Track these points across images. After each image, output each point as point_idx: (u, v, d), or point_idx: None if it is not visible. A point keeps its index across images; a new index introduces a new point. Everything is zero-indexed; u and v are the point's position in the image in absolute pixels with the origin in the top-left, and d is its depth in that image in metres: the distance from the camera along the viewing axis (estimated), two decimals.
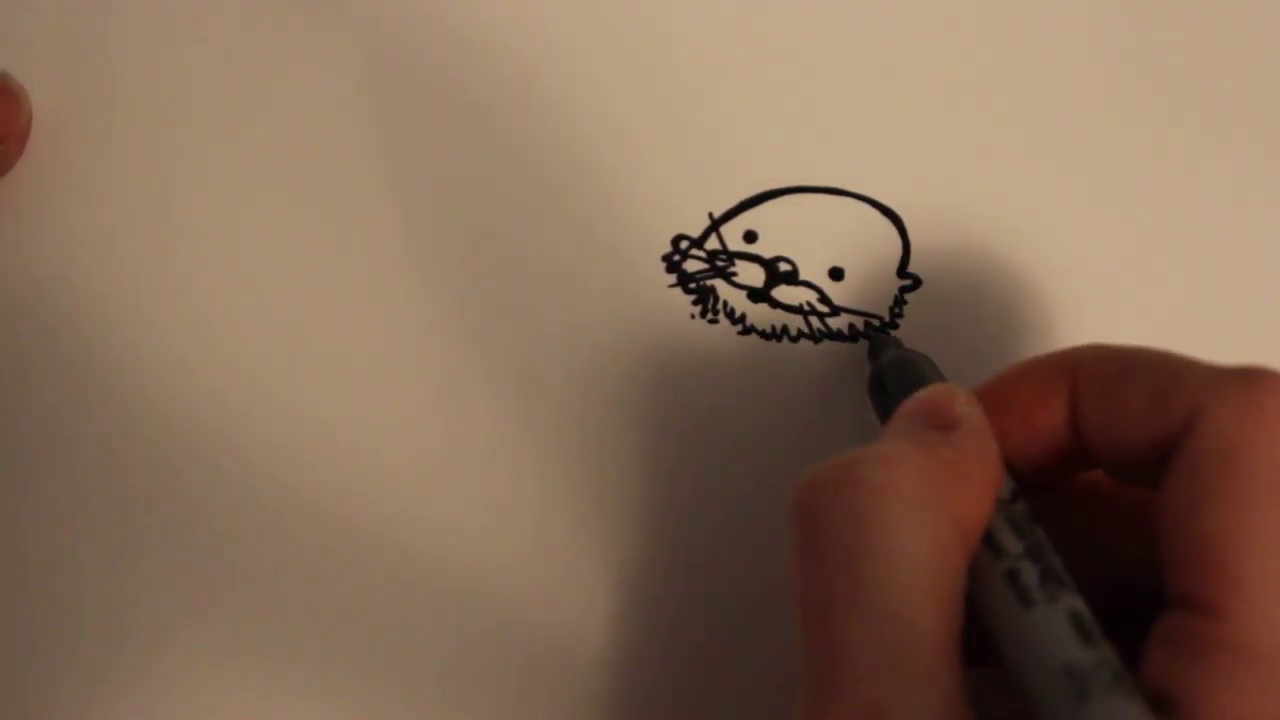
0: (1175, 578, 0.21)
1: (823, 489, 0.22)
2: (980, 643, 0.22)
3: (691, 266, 0.31)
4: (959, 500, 0.22)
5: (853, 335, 0.30)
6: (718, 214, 0.31)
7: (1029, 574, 0.22)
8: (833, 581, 0.21)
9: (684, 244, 0.31)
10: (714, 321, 0.30)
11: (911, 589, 0.21)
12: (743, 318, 0.31)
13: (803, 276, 0.31)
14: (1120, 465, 0.23)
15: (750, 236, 0.31)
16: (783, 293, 0.31)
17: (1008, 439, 0.24)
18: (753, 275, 0.31)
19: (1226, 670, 0.19)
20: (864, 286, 0.31)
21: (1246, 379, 0.21)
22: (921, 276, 0.31)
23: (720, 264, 0.31)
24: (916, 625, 0.20)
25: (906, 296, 0.31)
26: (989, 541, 0.23)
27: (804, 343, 0.30)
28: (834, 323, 0.30)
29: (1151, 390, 0.22)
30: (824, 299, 0.31)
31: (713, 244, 0.31)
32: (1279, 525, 0.20)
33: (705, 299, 0.31)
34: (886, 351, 0.28)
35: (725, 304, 0.31)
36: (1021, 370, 0.24)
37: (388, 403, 0.30)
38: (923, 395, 0.24)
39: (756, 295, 0.31)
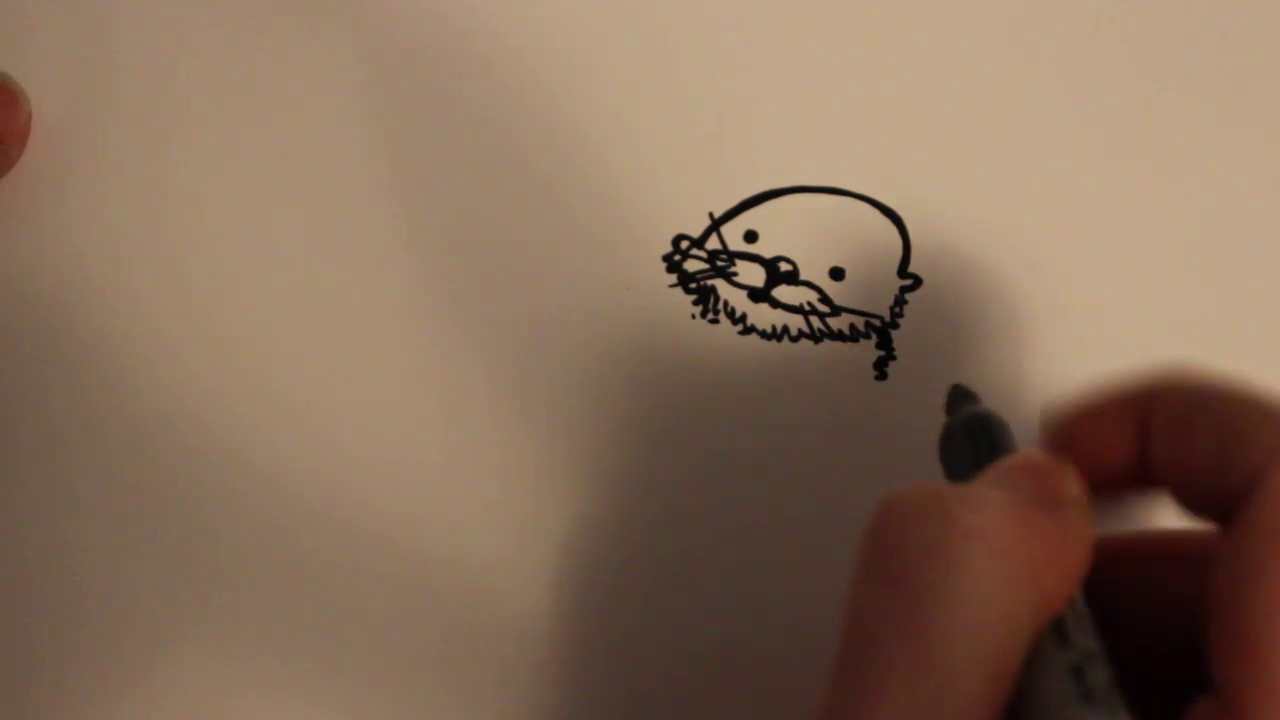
0: (1213, 658, 0.19)
1: (909, 517, 0.20)
2: None
3: (692, 266, 0.31)
4: (1047, 575, 0.20)
5: (853, 335, 0.30)
6: (718, 214, 0.31)
7: (1097, 674, 0.20)
8: (891, 613, 0.20)
9: (684, 244, 0.31)
10: (714, 321, 0.30)
11: (970, 646, 0.19)
12: (743, 318, 0.31)
13: (803, 276, 0.31)
14: (1189, 504, 0.21)
15: (751, 236, 0.31)
16: (783, 293, 0.31)
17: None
18: (753, 275, 0.31)
19: None
20: (864, 286, 0.31)
21: None
22: (921, 276, 0.31)
23: (721, 264, 0.31)
24: (964, 687, 0.19)
25: (907, 296, 0.31)
26: (1057, 629, 0.21)
27: (804, 343, 0.30)
28: (834, 323, 0.30)
29: (1219, 438, 0.20)
30: (824, 299, 0.31)
31: (713, 244, 0.31)
32: None
33: (706, 299, 0.31)
34: (967, 405, 0.26)
35: (726, 304, 0.31)
36: (1091, 408, 0.23)
37: (388, 403, 0.30)
38: (1032, 459, 0.22)
39: (757, 295, 0.31)
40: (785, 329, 0.30)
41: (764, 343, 0.30)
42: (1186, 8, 0.32)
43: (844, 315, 0.31)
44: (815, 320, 0.31)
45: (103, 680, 0.28)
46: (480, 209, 0.31)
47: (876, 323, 0.30)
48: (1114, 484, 0.22)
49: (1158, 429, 0.21)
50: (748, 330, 0.30)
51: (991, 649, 0.19)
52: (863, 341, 0.30)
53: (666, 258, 0.31)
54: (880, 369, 0.30)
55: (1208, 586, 0.20)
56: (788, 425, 0.30)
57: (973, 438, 0.25)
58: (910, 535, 0.20)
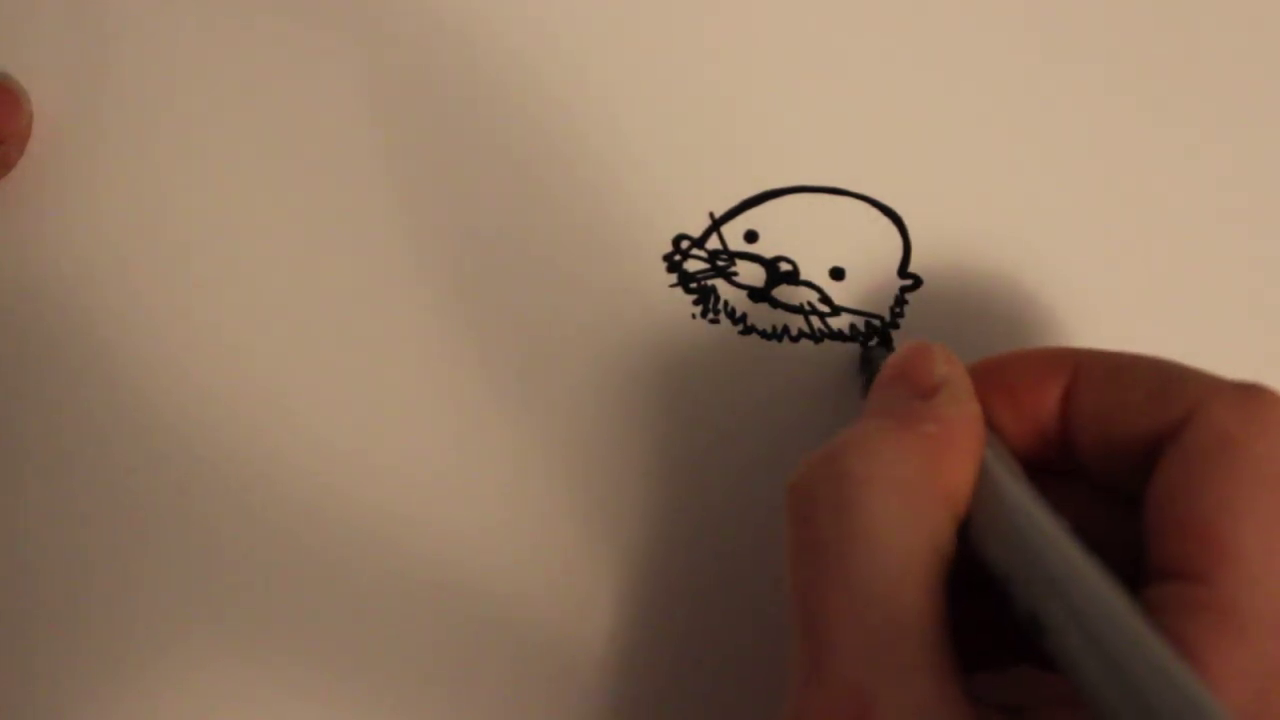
0: (1164, 551, 0.22)
1: (810, 479, 0.23)
2: (981, 642, 0.23)
3: (692, 266, 0.31)
4: (945, 474, 0.23)
5: (853, 335, 0.30)
6: (718, 214, 0.31)
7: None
8: (819, 569, 0.22)
9: (685, 244, 0.31)
10: (715, 321, 0.31)
11: (896, 575, 0.21)
12: (743, 317, 0.31)
13: (803, 276, 0.31)
14: (1106, 459, 0.24)
15: (751, 236, 0.31)
16: (783, 292, 0.31)
17: (991, 417, 0.25)
18: (753, 275, 0.31)
19: (1217, 632, 0.20)
20: (864, 286, 0.31)
21: (1245, 388, 0.23)
22: (922, 276, 0.31)
23: (721, 264, 0.31)
24: (902, 611, 0.21)
25: (907, 296, 0.31)
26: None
27: (804, 343, 0.30)
28: (835, 323, 0.31)
29: (1152, 385, 0.23)
30: (825, 299, 0.31)
31: (713, 244, 0.31)
32: (1266, 509, 0.21)
33: (706, 299, 0.31)
34: (878, 361, 0.28)
35: (726, 304, 0.31)
36: (1021, 353, 0.25)
37: (388, 403, 0.30)
38: (900, 357, 0.25)
39: (757, 295, 0.31)
40: (785, 329, 0.31)
41: (764, 343, 0.30)
42: (1188, 9, 0.32)
43: (844, 315, 0.31)
44: (815, 320, 0.31)
45: (103, 680, 0.28)
46: (480, 209, 0.31)
47: (876, 323, 0.30)
48: (1029, 431, 0.25)
49: (1088, 377, 0.24)
50: (748, 330, 0.30)
51: (918, 569, 0.21)
52: (863, 341, 0.30)
53: (666, 258, 0.31)
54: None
55: (1145, 505, 0.23)
56: (788, 425, 0.30)
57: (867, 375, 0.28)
58: (817, 500, 0.23)
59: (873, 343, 0.30)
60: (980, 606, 0.23)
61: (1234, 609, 0.21)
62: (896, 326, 0.30)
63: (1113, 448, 0.24)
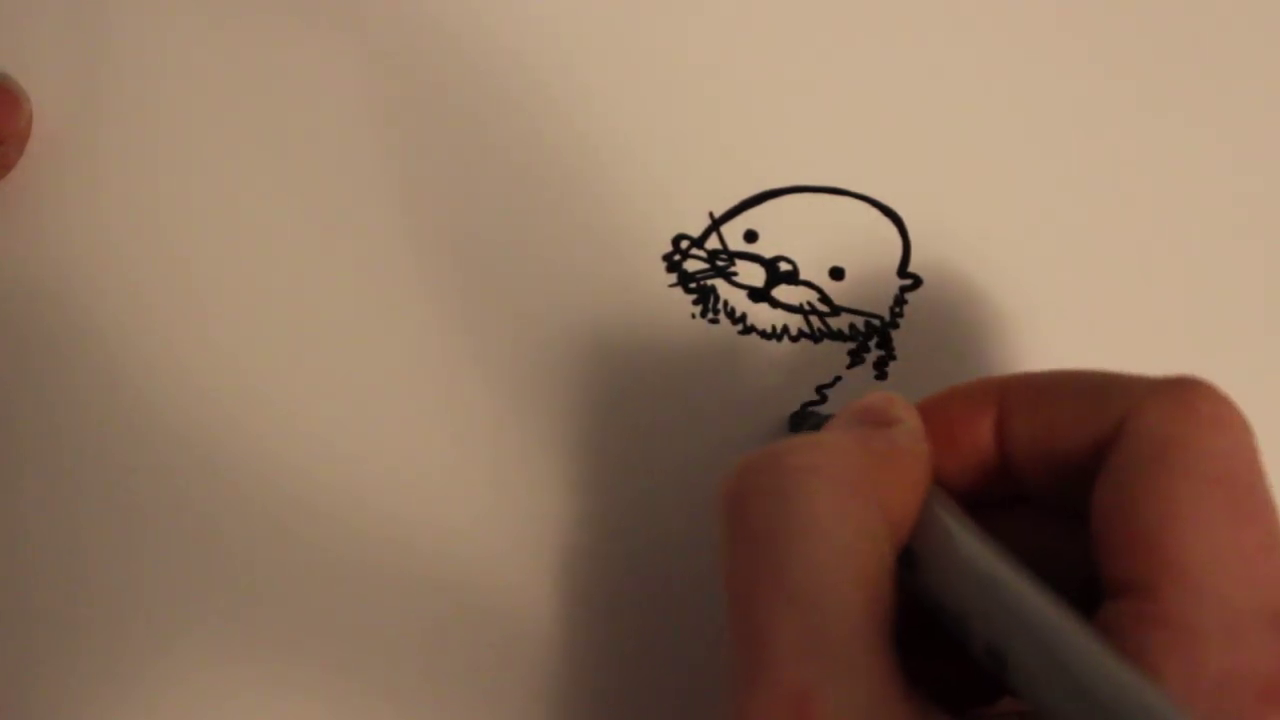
0: (1112, 567, 0.21)
1: (747, 474, 0.22)
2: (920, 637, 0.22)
3: (692, 266, 0.31)
4: (887, 488, 0.22)
5: (853, 335, 0.30)
6: (718, 214, 0.31)
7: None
8: (756, 565, 0.21)
9: (684, 244, 0.31)
10: (714, 321, 0.31)
11: (834, 570, 0.21)
12: (743, 317, 0.31)
13: (803, 276, 0.31)
14: (1047, 481, 0.23)
15: (751, 236, 0.31)
16: (783, 292, 0.31)
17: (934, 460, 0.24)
18: (753, 275, 0.31)
19: (1169, 646, 0.20)
20: (864, 286, 0.31)
21: (1176, 385, 0.22)
22: (921, 276, 0.31)
23: (721, 264, 0.31)
24: (840, 607, 0.20)
25: (906, 296, 0.31)
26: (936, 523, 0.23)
27: (804, 343, 0.30)
28: (834, 322, 0.31)
29: (1082, 400, 0.23)
30: (824, 299, 0.31)
31: (713, 244, 0.31)
32: (1207, 511, 0.21)
33: (706, 299, 0.31)
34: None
35: (726, 304, 0.31)
36: (948, 392, 0.25)
37: (388, 403, 0.30)
38: (863, 400, 0.25)
39: (757, 295, 0.31)
40: (785, 329, 0.30)
41: (764, 343, 0.30)
42: (1187, 10, 0.32)
43: (844, 315, 0.31)
44: (815, 320, 0.31)
45: (103, 680, 0.28)
46: (480, 209, 0.31)
47: (876, 323, 0.30)
48: (969, 468, 0.24)
49: (1017, 404, 0.24)
50: (748, 330, 0.30)
51: (855, 566, 0.21)
52: (863, 341, 0.30)
53: (666, 258, 0.31)
54: (880, 369, 0.30)
55: (1091, 519, 0.22)
56: (788, 425, 0.30)
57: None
58: (751, 491, 0.22)
59: (811, 407, 0.30)
60: (933, 657, 0.22)
61: (1184, 622, 0.20)
62: (896, 326, 0.30)
63: (1052, 468, 0.23)
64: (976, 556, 0.22)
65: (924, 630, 0.23)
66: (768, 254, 0.31)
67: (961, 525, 0.23)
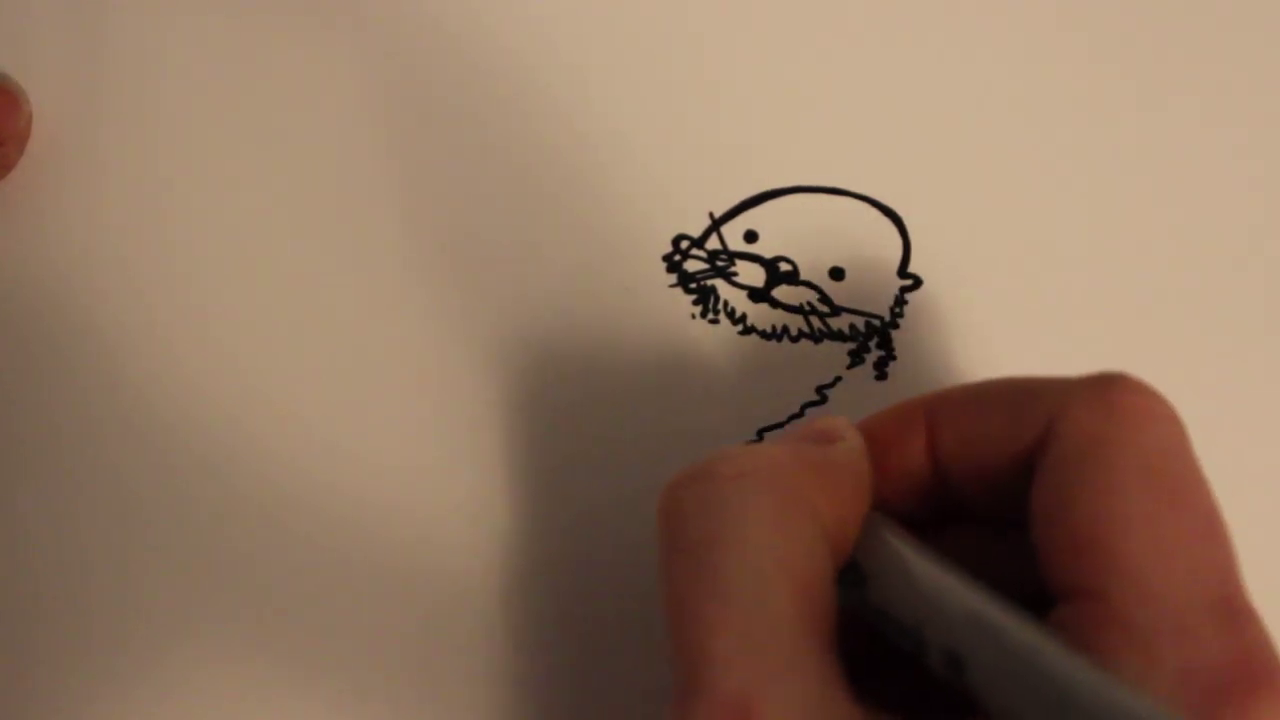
0: (1054, 573, 0.21)
1: (680, 485, 0.22)
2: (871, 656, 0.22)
3: (692, 266, 0.31)
4: (823, 499, 0.22)
5: (853, 335, 0.30)
6: (718, 214, 0.31)
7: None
8: (691, 575, 0.21)
9: (684, 244, 0.31)
10: (714, 321, 0.30)
11: (768, 576, 0.20)
12: (743, 318, 0.31)
13: (803, 276, 0.31)
14: (983, 494, 0.23)
15: (751, 236, 0.31)
16: (783, 293, 0.31)
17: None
18: (753, 275, 0.31)
19: (1119, 648, 0.20)
20: (864, 286, 0.31)
21: (1100, 382, 0.22)
22: (921, 276, 0.31)
23: (721, 264, 0.31)
24: (776, 612, 0.20)
25: (906, 296, 0.31)
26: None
27: (804, 343, 0.30)
28: (834, 323, 0.31)
29: (1007, 409, 0.23)
30: (824, 299, 0.31)
31: (713, 244, 0.31)
32: (1142, 507, 0.21)
33: (706, 299, 0.31)
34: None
35: (726, 304, 0.31)
36: (875, 417, 0.24)
37: (387, 404, 0.30)
38: (811, 421, 0.24)
39: (757, 295, 0.31)
40: (785, 329, 0.30)
41: (764, 343, 0.30)
42: (1187, 9, 0.32)
43: (844, 315, 0.31)
44: (815, 320, 0.31)
45: (104, 681, 0.28)
46: (480, 209, 0.31)
47: (876, 323, 0.30)
48: (907, 490, 0.24)
49: (945, 420, 0.23)
50: (748, 330, 0.30)
51: (786, 568, 0.21)
52: (863, 341, 0.30)
53: (666, 258, 0.31)
54: (880, 369, 0.30)
55: (1030, 526, 0.22)
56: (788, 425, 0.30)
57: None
58: (686, 501, 0.22)
59: (811, 407, 0.30)
60: (885, 683, 0.22)
61: (1132, 621, 0.20)
62: (896, 326, 0.30)
63: (986, 480, 0.23)
64: (927, 564, 0.22)
65: (873, 659, 0.22)
66: (768, 254, 0.31)
67: (908, 540, 0.23)
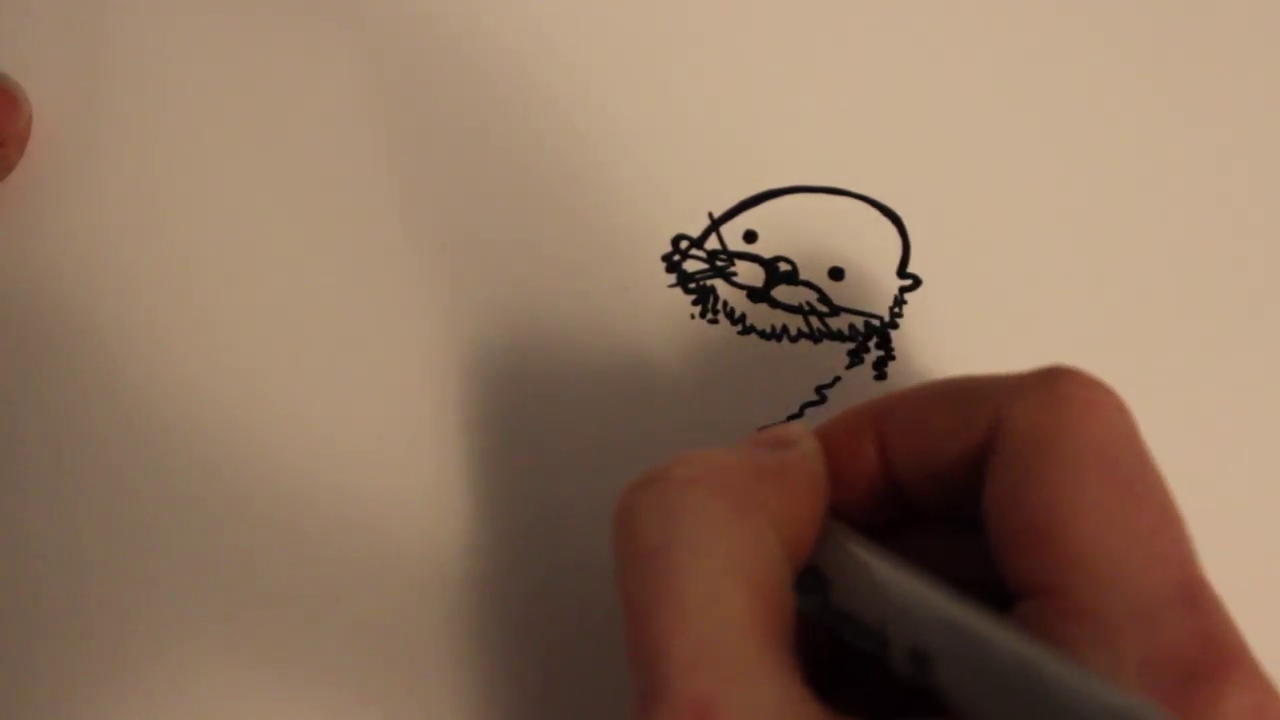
0: (1012, 570, 0.21)
1: (634, 491, 0.22)
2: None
3: (691, 266, 0.31)
4: (777, 502, 0.22)
5: (853, 335, 0.30)
6: (718, 214, 0.31)
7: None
8: (646, 579, 0.21)
9: (684, 244, 0.31)
10: (714, 321, 0.30)
11: (723, 579, 0.20)
12: (743, 318, 0.31)
13: (803, 276, 0.31)
14: (936, 495, 0.23)
15: (750, 236, 0.31)
16: (783, 293, 0.31)
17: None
18: (753, 275, 0.31)
19: (1084, 641, 0.20)
20: (864, 286, 0.31)
21: (1045, 376, 0.22)
22: (921, 276, 0.31)
23: (720, 264, 0.31)
24: (732, 615, 0.20)
25: (906, 296, 0.31)
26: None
27: (804, 343, 0.30)
28: (834, 323, 0.30)
29: (954, 408, 0.23)
30: (824, 299, 0.31)
31: (713, 244, 0.31)
32: (1095, 498, 0.21)
33: (705, 299, 0.31)
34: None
35: (725, 304, 0.31)
36: (827, 424, 0.24)
37: (388, 404, 0.30)
38: (768, 428, 0.24)
39: (756, 295, 0.31)
40: (785, 329, 0.30)
41: (764, 343, 0.30)
42: (1189, 10, 0.32)
43: (843, 315, 0.31)
44: (815, 320, 0.31)
45: (104, 682, 0.29)
46: (479, 209, 0.31)
47: (876, 323, 0.30)
48: (861, 497, 0.24)
49: (893, 423, 0.23)
50: (747, 330, 0.30)
51: (741, 571, 0.21)
52: (862, 341, 0.30)
53: (666, 258, 0.31)
54: (880, 369, 0.30)
55: (984, 524, 0.22)
56: None
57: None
58: (640, 507, 0.22)
59: (810, 407, 0.30)
60: (846, 693, 0.22)
61: (1094, 613, 0.20)
62: (895, 326, 0.30)
63: (938, 481, 0.23)
64: (888, 564, 0.22)
65: (834, 664, 0.22)
66: (767, 254, 0.31)
67: (866, 543, 0.22)
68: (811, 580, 0.23)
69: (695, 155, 0.31)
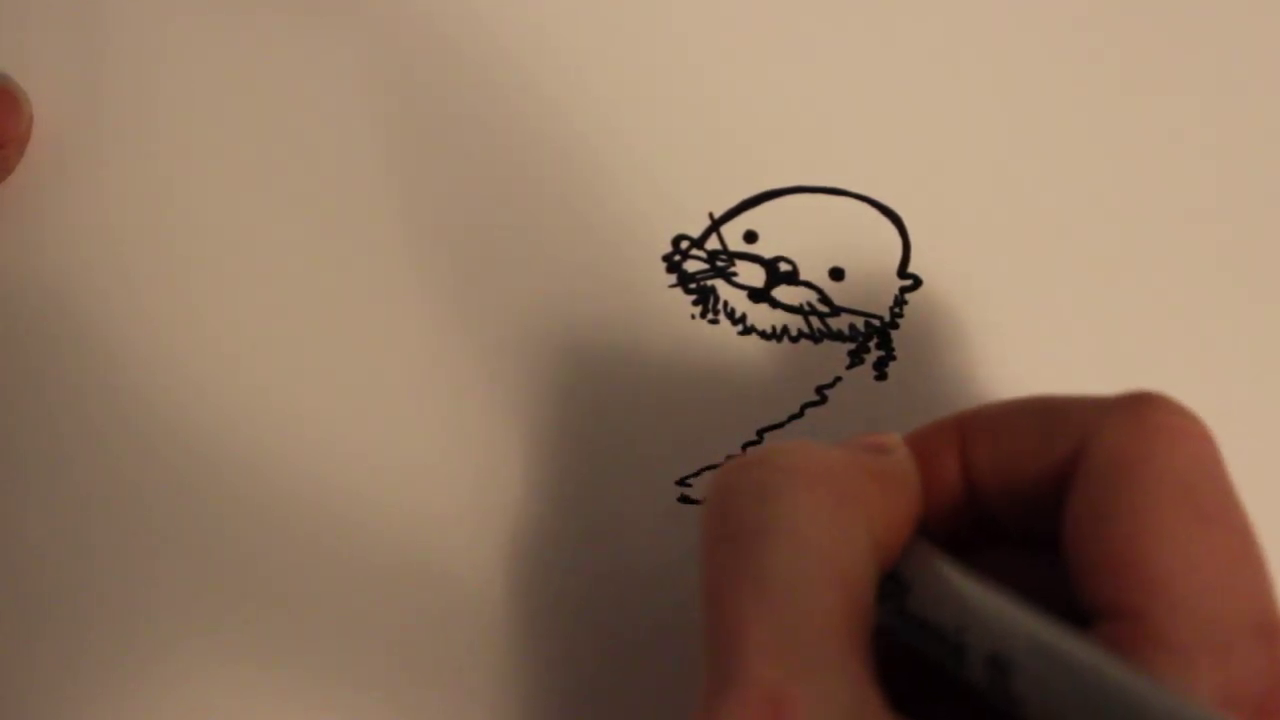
0: (1089, 592, 0.21)
1: (733, 472, 0.22)
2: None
3: (692, 266, 0.31)
4: (874, 505, 0.22)
5: (853, 335, 0.30)
6: (718, 214, 0.31)
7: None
8: (733, 564, 0.21)
9: (684, 244, 0.31)
10: (714, 321, 0.30)
11: (811, 571, 0.20)
12: (743, 318, 0.31)
13: (803, 276, 0.31)
14: (1016, 514, 0.23)
15: (750, 236, 0.31)
16: (783, 293, 0.31)
17: None
18: (753, 275, 0.31)
19: (1157, 668, 0.20)
20: (864, 286, 0.31)
21: (1134, 400, 0.22)
22: (921, 276, 0.31)
23: (720, 264, 0.31)
24: (816, 608, 0.20)
25: (906, 296, 0.31)
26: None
27: (804, 343, 0.30)
28: (834, 323, 0.30)
29: (1041, 425, 0.23)
30: (824, 299, 0.31)
31: (713, 244, 0.31)
32: (1177, 527, 0.20)
33: (705, 299, 0.31)
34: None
35: (725, 304, 0.31)
36: (911, 436, 0.24)
37: (388, 405, 0.30)
38: (861, 435, 0.24)
39: (757, 295, 0.31)
40: (785, 329, 0.30)
41: (764, 343, 0.30)
42: (1186, 9, 0.32)
43: (844, 315, 0.31)
44: (815, 320, 0.31)
45: (105, 682, 0.29)
46: (480, 209, 0.31)
47: (876, 323, 0.30)
48: (942, 511, 0.24)
49: (978, 437, 0.23)
50: (748, 330, 0.30)
51: (835, 571, 0.20)
52: (863, 341, 0.30)
53: (666, 258, 0.31)
54: (880, 369, 0.30)
55: (1064, 545, 0.22)
56: (788, 426, 0.30)
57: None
58: (734, 489, 0.22)
59: (811, 408, 0.30)
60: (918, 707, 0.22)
61: (1170, 641, 0.20)
62: (896, 327, 0.30)
63: (1019, 500, 0.23)
64: (970, 574, 0.22)
65: (900, 681, 0.22)
66: (768, 254, 0.31)
67: (946, 555, 0.22)
68: (890, 586, 0.23)
69: (695, 155, 0.31)
